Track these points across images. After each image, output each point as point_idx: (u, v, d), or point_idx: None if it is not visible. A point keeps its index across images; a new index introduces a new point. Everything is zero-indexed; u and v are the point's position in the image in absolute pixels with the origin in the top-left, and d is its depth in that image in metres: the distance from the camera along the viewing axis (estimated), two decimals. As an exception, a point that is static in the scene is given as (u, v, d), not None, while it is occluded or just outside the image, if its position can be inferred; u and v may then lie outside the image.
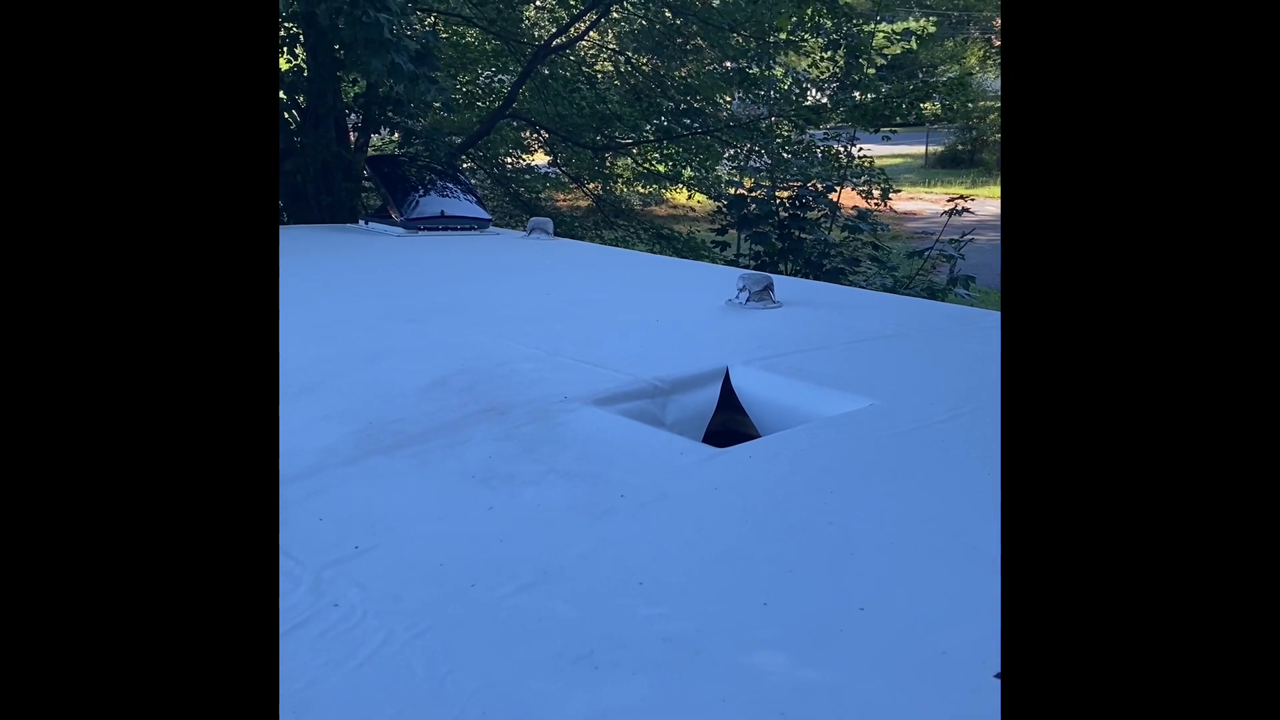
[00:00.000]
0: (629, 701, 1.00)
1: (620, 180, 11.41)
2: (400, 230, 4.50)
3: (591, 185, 11.11)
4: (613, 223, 10.34)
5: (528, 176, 11.09)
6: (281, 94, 6.18)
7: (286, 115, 6.24)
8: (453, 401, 1.96)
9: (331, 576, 1.25)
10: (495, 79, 9.93)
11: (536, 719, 0.97)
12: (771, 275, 3.09)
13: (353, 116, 6.96)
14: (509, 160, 10.87)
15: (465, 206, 4.83)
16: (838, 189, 7.77)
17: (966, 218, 7.20)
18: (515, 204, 10.18)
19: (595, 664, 1.06)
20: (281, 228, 5.83)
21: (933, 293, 6.80)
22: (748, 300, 2.91)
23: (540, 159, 11.29)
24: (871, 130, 8.59)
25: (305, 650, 1.09)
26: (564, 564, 1.29)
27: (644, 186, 11.51)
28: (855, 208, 7.83)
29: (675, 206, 13.79)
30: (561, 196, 12.20)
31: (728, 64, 9.81)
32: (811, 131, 8.90)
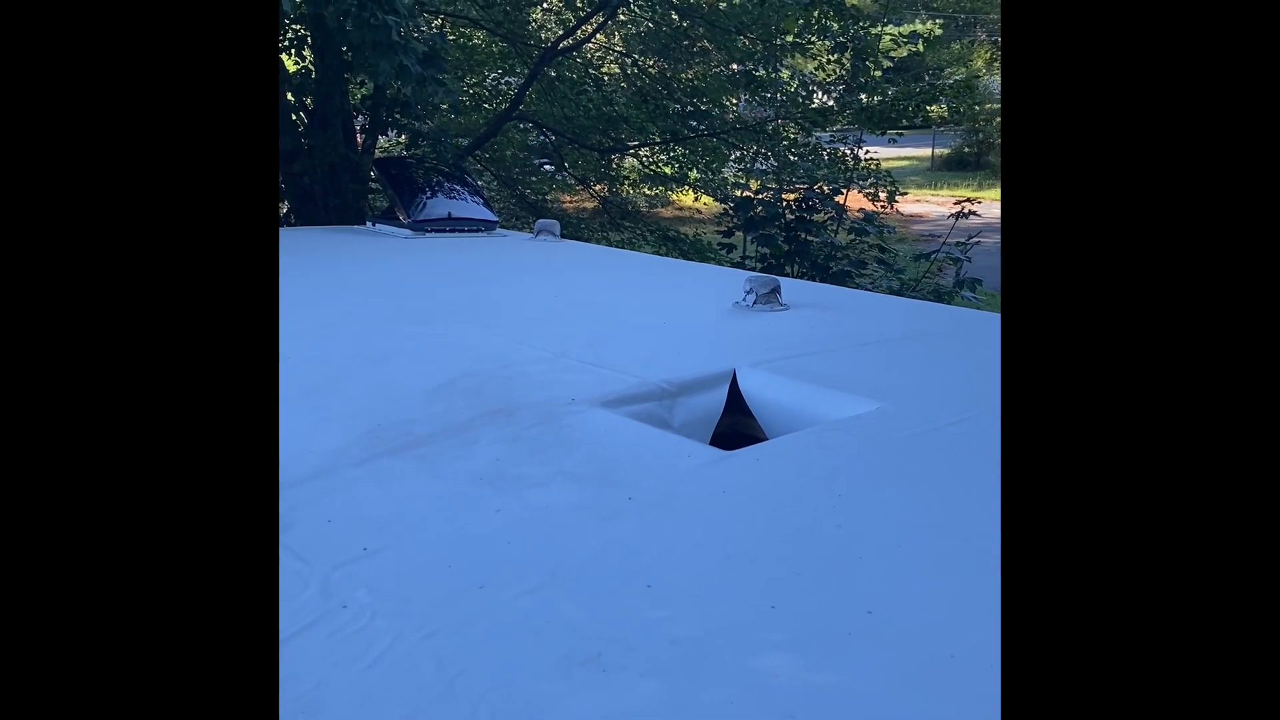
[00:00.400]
0: (638, 704, 1.00)
1: (626, 182, 11.42)
2: (407, 232, 4.51)
3: (598, 187, 11.11)
4: (619, 224, 10.35)
5: (534, 179, 11.11)
6: (289, 96, 6.20)
7: (294, 117, 6.25)
8: (460, 403, 1.96)
9: (340, 578, 1.26)
10: (502, 81, 9.95)
11: (545, 721, 0.97)
12: (778, 278, 3.09)
13: (360, 118, 6.98)
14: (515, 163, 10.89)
15: (472, 208, 4.83)
16: (844, 191, 7.76)
17: (973, 220, 7.19)
18: (522, 206, 10.19)
19: (604, 666, 1.06)
20: (289, 229, 5.84)
21: (939, 295, 6.79)
22: (755, 302, 2.91)
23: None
24: (878, 133, 8.58)
25: (314, 651, 1.10)
26: (572, 566, 1.29)
27: (650, 188, 11.51)
28: (862, 210, 7.83)
29: (681, 209, 13.79)
30: (568, 198, 12.22)
31: (734, 66, 9.81)
32: (818, 134, 8.89)
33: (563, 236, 4.72)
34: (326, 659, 1.08)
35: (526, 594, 1.22)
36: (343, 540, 1.36)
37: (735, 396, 2.19)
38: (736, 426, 2.20)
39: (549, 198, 11.19)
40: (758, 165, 9.24)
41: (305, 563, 1.29)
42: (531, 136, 10.38)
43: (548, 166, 10.70)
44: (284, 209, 6.92)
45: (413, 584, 1.25)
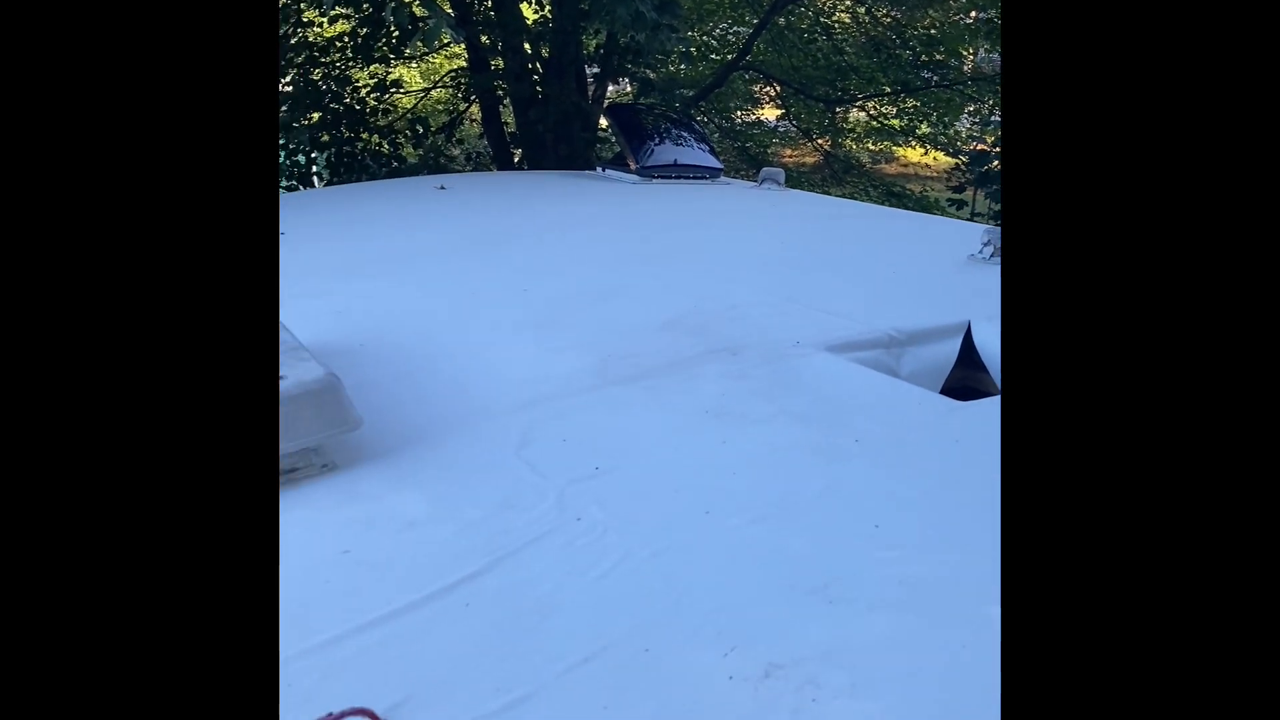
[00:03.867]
0: (866, 637, 0.99)
1: (851, 136, 11.12)
2: (635, 178, 4.58)
3: (820, 140, 10.89)
4: (842, 179, 10.12)
5: (756, 131, 11.02)
6: (526, 46, 6.41)
7: (529, 66, 6.47)
8: (686, 340, 1.98)
9: (575, 493, 1.31)
10: (730, 31, 9.88)
11: (771, 644, 0.98)
12: (1019, 231, 2.92)
13: (591, 68, 7.13)
14: (739, 114, 10.83)
15: (698, 155, 4.85)
16: (1091, 147, 7.21)
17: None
18: (742, 158, 10.14)
19: (830, 598, 1.05)
20: (524, 172, 6.07)
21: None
22: (993, 255, 2.77)
23: (770, 113, 11.17)
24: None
25: (551, 557, 1.15)
26: (797, 500, 1.29)
27: (874, 143, 11.17)
28: (1110, 167, 7.25)
29: (905, 164, 13.29)
30: (789, 152, 12.05)
31: (974, 14, 9.29)
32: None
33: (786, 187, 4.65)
34: (561, 566, 1.14)
35: (752, 523, 1.23)
36: (576, 459, 1.42)
37: (969, 350, 2.10)
38: (968, 381, 2.11)
39: (770, 150, 11.08)
40: (994, 118, 8.75)
41: (543, 477, 1.36)
42: (757, 88, 10.28)
43: (764, 118, 10.58)
44: (516, 155, 7.21)
45: (641, 504, 1.29)
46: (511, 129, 7.15)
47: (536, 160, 6.59)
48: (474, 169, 8.22)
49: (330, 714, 0.85)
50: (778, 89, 10.07)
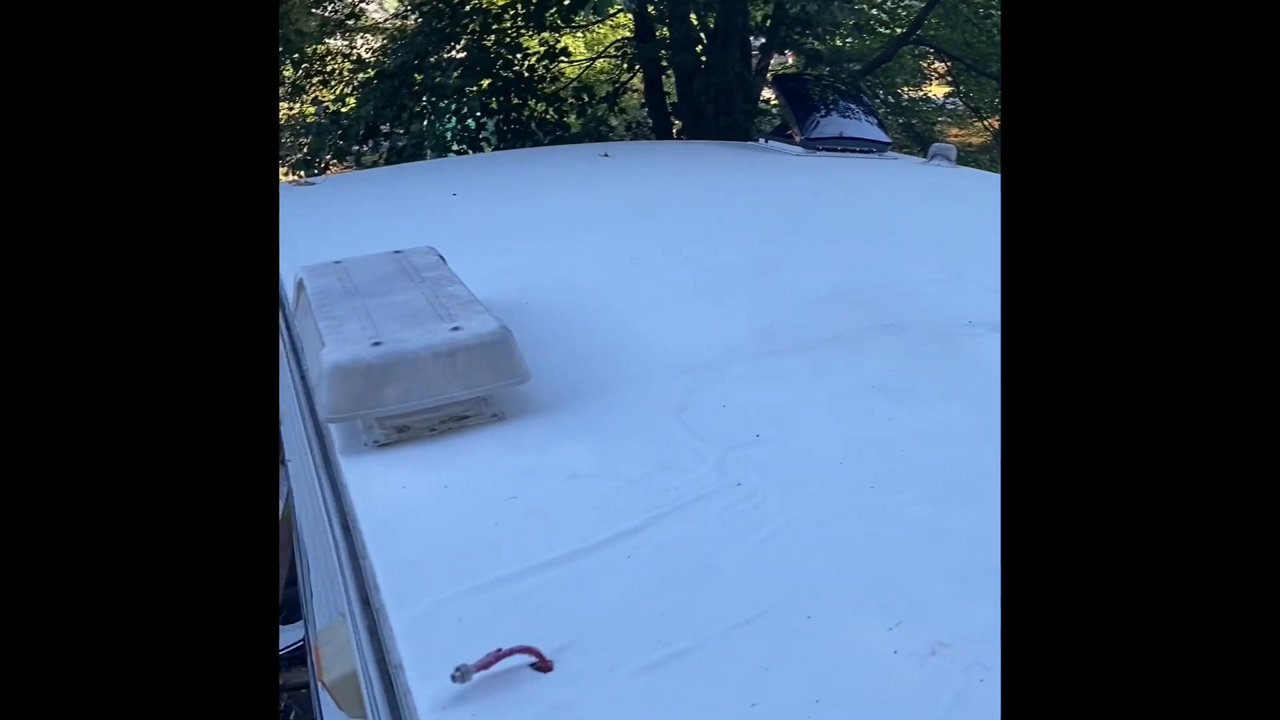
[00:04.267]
0: None
1: (1025, 115, 10.60)
2: (799, 150, 4.50)
3: (990, 120, 10.45)
4: (1012, 159, 9.69)
5: (923, 107, 10.67)
6: (693, 17, 6.39)
7: (695, 36, 6.45)
8: (851, 314, 1.94)
9: (735, 458, 1.30)
10: (901, 5, 9.58)
11: (938, 622, 0.95)
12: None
13: (756, 40, 7.04)
14: (905, 90, 10.51)
15: (865, 128, 4.71)
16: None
17: None
18: (907, 134, 9.84)
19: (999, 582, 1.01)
20: (687, 142, 6.08)
21: None
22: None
23: (938, 90, 10.80)
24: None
25: (711, 519, 1.15)
26: (967, 482, 1.25)
27: (1049, 123, 10.62)
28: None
29: (1084, 147, 12.60)
30: (955, 130, 11.62)
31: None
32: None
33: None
34: (722, 528, 1.14)
35: (918, 501, 1.19)
36: (737, 425, 1.41)
37: None
38: None
39: (936, 128, 10.72)
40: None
41: (703, 440, 1.36)
42: (925, 63, 9.95)
43: (932, 95, 10.24)
44: (676, 127, 7.21)
45: (803, 474, 1.27)
46: (673, 99, 7.15)
47: (696, 131, 6.57)
48: (633, 138, 8.27)
49: (499, 649, 0.88)
50: (948, 65, 9.71)
